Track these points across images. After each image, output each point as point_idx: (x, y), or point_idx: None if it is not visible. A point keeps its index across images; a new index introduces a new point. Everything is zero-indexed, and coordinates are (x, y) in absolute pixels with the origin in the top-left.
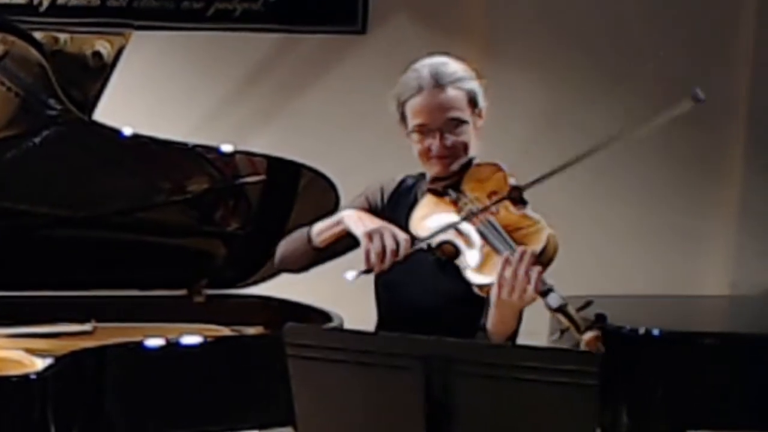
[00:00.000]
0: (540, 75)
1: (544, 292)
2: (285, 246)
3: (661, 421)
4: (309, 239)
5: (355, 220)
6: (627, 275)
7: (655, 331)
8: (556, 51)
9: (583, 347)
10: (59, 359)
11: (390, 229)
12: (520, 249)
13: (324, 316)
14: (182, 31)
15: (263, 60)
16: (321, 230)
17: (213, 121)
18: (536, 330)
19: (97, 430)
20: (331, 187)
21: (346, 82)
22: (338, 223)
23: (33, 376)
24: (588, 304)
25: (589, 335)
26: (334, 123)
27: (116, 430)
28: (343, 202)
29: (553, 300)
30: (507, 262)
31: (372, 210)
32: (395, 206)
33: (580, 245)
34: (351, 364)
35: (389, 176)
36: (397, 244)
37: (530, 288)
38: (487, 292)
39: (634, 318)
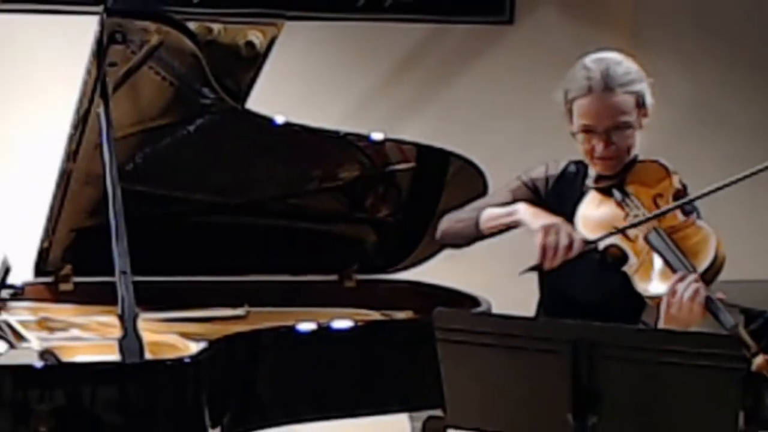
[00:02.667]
0: (687, 65)
1: (715, 314)
2: (449, 223)
3: None
4: (476, 224)
5: (530, 214)
6: None
7: None
8: (704, 40)
9: (754, 368)
10: (213, 343)
11: (566, 227)
12: (687, 280)
13: (472, 301)
14: (333, 21)
15: (412, 50)
16: (490, 218)
17: (363, 110)
18: None
19: (250, 413)
20: (480, 174)
21: (494, 72)
22: (511, 214)
23: (187, 360)
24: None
25: (761, 358)
26: (481, 112)
27: (269, 414)
28: (491, 189)
29: (726, 322)
30: (676, 281)
31: (533, 194)
32: (559, 196)
33: (726, 230)
34: (499, 348)
35: (536, 164)
36: (571, 242)
37: (697, 310)
38: (657, 303)
39: None
